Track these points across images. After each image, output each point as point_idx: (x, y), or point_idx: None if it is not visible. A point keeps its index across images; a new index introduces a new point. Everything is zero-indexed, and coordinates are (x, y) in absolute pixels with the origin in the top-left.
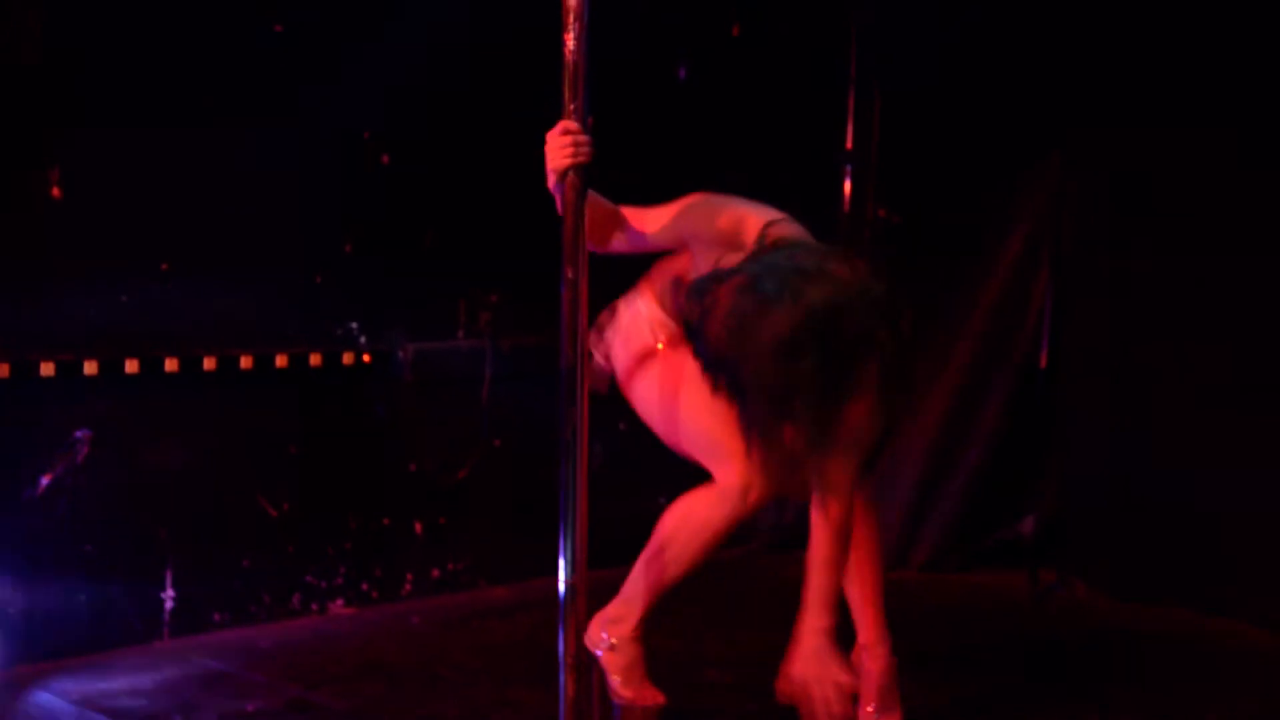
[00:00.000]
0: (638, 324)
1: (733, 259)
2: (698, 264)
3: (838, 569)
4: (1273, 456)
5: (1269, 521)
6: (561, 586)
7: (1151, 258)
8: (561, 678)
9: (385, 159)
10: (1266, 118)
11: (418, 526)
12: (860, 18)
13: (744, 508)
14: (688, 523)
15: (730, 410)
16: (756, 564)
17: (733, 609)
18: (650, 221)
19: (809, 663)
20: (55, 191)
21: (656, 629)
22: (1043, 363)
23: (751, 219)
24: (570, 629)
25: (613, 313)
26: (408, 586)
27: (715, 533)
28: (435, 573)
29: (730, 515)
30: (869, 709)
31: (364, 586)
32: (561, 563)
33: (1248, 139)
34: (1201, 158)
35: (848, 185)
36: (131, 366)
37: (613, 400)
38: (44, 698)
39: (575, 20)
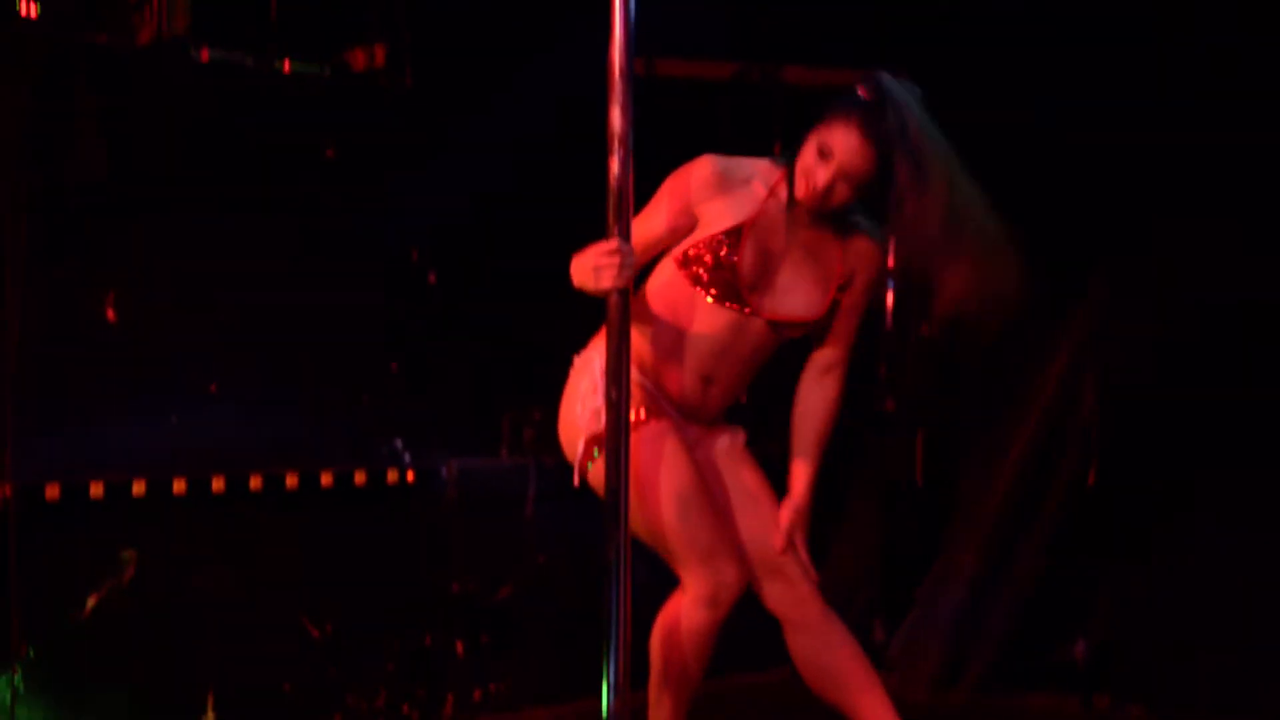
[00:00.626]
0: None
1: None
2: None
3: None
4: None
5: None
6: (605, 712)
7: (1187, 384)
8: None
9: (432, 278)
10: None
11: (459, 647)
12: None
13: (718, 613)
14: (673, 639)
15: (704, 507)
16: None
17: None
18: (648, 218)
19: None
20: (111, 315)
21: None
22: (1091, 481)
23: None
24: None
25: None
26: (449, 708)
27: (701, 641)
28: (477, 694)
29: (708, 622)
30: None
31: (405, 708)
32: (604, 688)
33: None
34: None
35: (890, 298)
36: (179, 487)
37: None
38: None
39: (619, 144)
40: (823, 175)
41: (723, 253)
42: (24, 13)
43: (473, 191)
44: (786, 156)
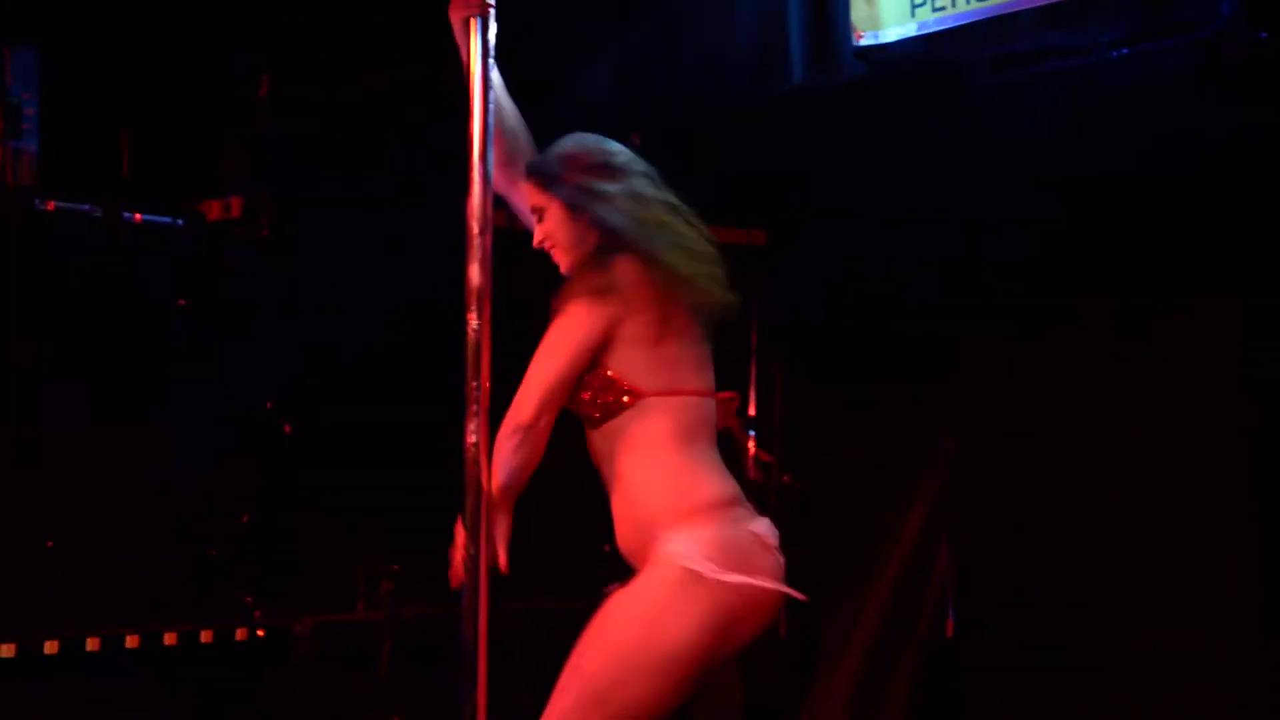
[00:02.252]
0: None
1: None
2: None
3: None
4: None
5: None
6: None
7: (1043, 534)
8: None
9: (288, 428)
10: None
11: None
12: (761, 299)
13: None
14: None
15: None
16: None
17: None
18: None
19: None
20: None
21: None
22: (949, 632)
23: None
24: None
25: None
26: None
27: None
28: None
29: None
30: None
31: None
32: None
33: None
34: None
35: (752, 446)
36: (5, 650)
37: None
38: None
39: (477, 300)
40: (535, 239)
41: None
42: None
43: (329, 340)
44: None
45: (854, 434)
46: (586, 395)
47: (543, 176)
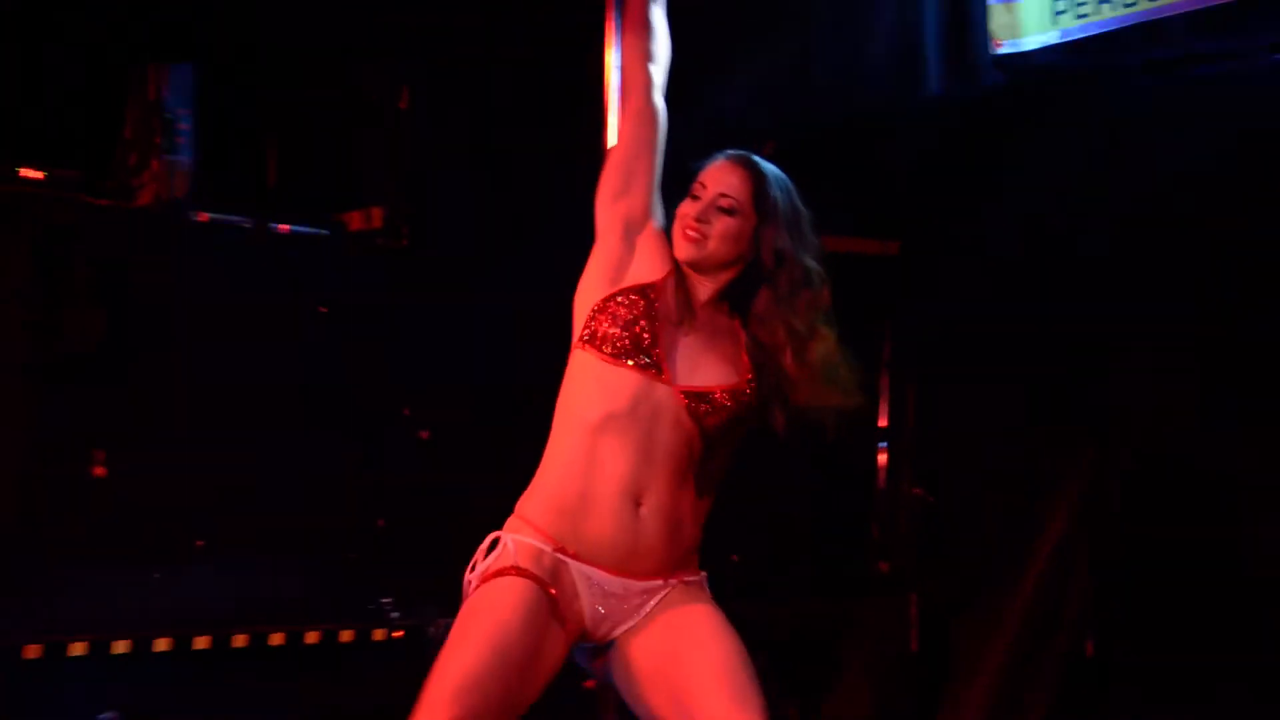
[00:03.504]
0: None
1: None
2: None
3: None
4: None
5: None
6: None
7: (1185, 550)
8: None
9: (424, 434)
10: None
11: None
12: (894, 311)
13: None
14: None
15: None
16: None
17: None
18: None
19: None
20: (98, 470)
21: None
22: (1089, 651)
23: None
24: None
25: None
26: None
27: None
28: None
29: None
30: None
31: None
32: None
33: None
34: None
35: (883, 463)
36: (161, 644)
37: None
38: None
39: None
40: (693, 211)
41: (638, 308)
42: (28, 174)
43: (464, 344)
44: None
45: (989, 445)
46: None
47: (769, 201)
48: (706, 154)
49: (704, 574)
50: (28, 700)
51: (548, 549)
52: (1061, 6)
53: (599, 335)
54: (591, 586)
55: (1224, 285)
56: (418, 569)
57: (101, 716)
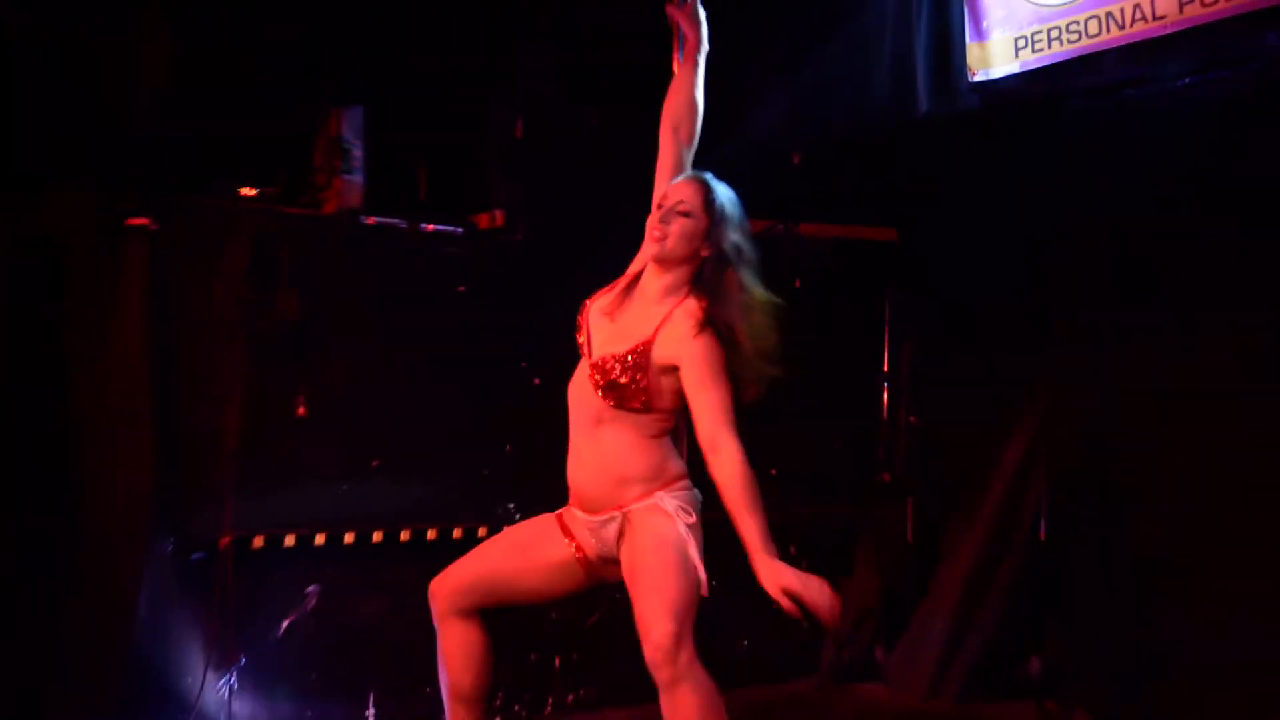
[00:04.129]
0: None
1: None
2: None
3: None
4: (1226, 611)
5: (1224, 658)
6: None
7: (1132, 467)
8: None
9: (537, 381)
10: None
11: (556, 661)
12: (894, 283)
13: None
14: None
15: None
16: (821, 695)
17: None
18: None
19: (790, 575)
20: (301, 410)
21: None
22: (1043, 537)
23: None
24: None
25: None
26: (548, 708)
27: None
28: (570, 698)
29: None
30: None
31: (516, 708)
32: None
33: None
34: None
35: (885, 399)
36: (348, 538)
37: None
38: None
39: None
40: (656, 215)
41: (581, 323)
42: (241, 193)
43: (568, 316)
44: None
45: (970, 385)
46: (638, 391)
47: (716, 208)
48: (748, 162)
49: (658, 495)
50: (255, 578)
51: (567, 508)
52: (1022, 44)
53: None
54: (580, 526)
55: (1139, 269)
56: (534, 482)
57: (308, 590)
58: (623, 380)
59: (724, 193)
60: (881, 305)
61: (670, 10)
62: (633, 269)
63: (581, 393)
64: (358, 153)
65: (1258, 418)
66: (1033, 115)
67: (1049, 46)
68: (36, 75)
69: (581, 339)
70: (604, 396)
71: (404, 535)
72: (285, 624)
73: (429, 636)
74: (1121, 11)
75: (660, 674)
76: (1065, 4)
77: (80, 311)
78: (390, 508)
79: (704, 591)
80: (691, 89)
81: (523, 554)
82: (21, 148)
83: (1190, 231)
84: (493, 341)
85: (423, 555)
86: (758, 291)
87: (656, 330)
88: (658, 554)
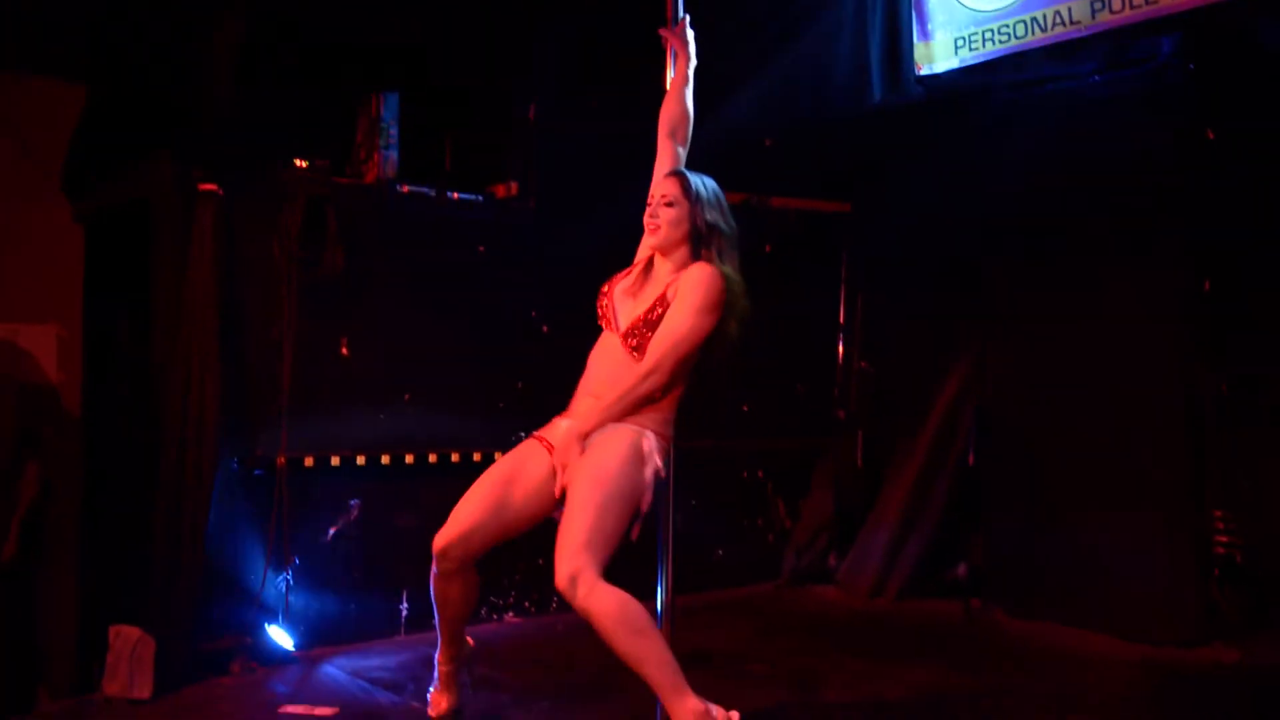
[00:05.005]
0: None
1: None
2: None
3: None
4: (1113, 528)
5: (1113, 566)
6: (659, 605)
7: (1041, 400)
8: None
9: (545, 329)
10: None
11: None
12: (849, 246)
13: (437, 565)
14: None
15: (480, 490)
16: (782, 595)
17: (768, 625)
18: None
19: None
20: (344, 350)
21: (713, 640)
22: (970, 463)
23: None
24: (666, 632)
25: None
26: (554, 604)
27: (434, 585)
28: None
29: (434, 571)
30: None
31: (526, 604)
32: (659, 588)
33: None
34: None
35: (841, 347)
36: (385, 459)
37: (684, 483)
38: (328, 670)
39: None
40: (649, 211)
41: (602, 301)
42: (296, 165)
43: (572, 273)
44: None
45: (911, 336)
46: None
47: (692, 192)
48: (728, 146)
49: (644, 431)
50: (306, 492)
51: (549, 424)
52: (960, 43)
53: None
54: (560, 432)
55: (1047, 233)
56: (542, 414)
57: (351, 503)
58: (650, 335)
59: (700, 180)
60: (838, 267)
61: (663, 32)
62: (640, 257)
63: (603, 358)
64: (393, 131)
65: (1144, 355)
66: (967, 104)
67: (983, 46)
68: (133, 56)
69: (606, 314)
70: (636, 356)
71: (432, 458)
72: (332, 531)
73: None
74: (1045, 16)
75: (570, 599)
76: (998, 9)
77: (161, 263)
78: (420, 434)
79: (633, 536)
80: (683, 99)
81: (509, 484)
82: (120, 125)
83: (1091, 202)
84: (507, 293)
85: (447, 474)
86: (730, 264)
87: (667, 287)
88: (592, 487)
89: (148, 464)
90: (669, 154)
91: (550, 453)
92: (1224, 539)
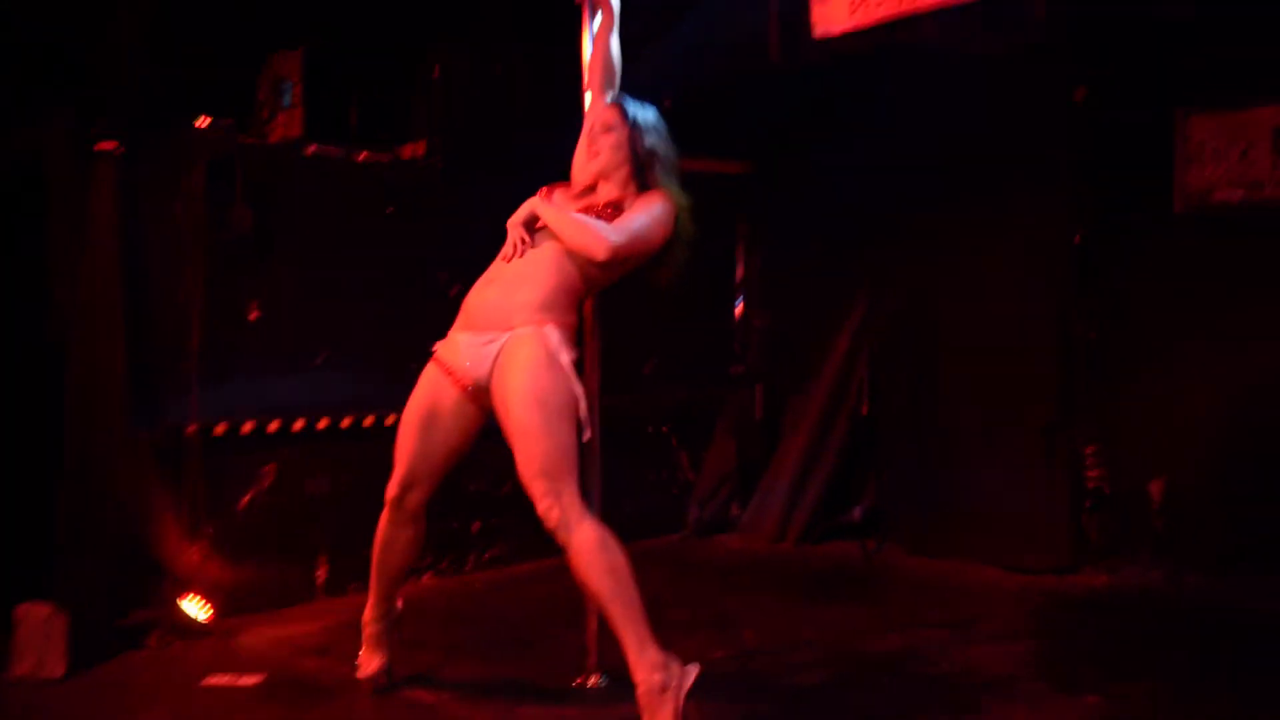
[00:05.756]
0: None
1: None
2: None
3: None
4: (996, 467)
5: (997, 502)
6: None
7: (928, 350)
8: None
9: (454, 290)
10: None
11: (475, 525)
12: (749, 207)
13: (387, 511)
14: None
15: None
16: (688, 545)
17: (680, 573)
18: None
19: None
20: (253, 314)
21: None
22: (864, 411)
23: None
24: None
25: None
26: (469, 564)
27: (379, 530)
28: (487, 555)
29: (382, 517)
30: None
31: (443, 565)
32: None
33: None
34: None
35: (740, 305)
36: (297, 425)
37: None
38: (248, 639)
39: None
40: (589, 138)
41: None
42: (199, 124)
43: (479, 233)
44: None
45: (806, 292)
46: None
47: (630, 118)
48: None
49: (547, 327)
50: (219, 460)
51: (452, 332)
52: (853, 7)
53: None
54: (459, 354)
55: (928, 190)
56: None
57: (263, 470)
58: (604, 215)
59: (638, 107)
60: (736, 227)
61: None
62: (578, 181)
63: (521, 260)
64: (296, 90)
65: (1021, 306)
66: (860, 66)
67: (877, 9)
68: (33, 14)
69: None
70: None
71: (345, 422)
72: (246, 499)
73: (367, 507)
74: None
75: (551, 530)
76: None
77: (58, 227)
78: (333, 398)
79: (585, 436)
80: (609, 50)
81: (428, 424)
82: (13, 77)
83: (973, 159)
84: (415, 254)
85: (361, 439)
86: (674, 186)
87: (620, 200)
88: (524, 409)
89: (46, 439)
90: (602, 101)
91: (451, 377)
92: (1094, 473)
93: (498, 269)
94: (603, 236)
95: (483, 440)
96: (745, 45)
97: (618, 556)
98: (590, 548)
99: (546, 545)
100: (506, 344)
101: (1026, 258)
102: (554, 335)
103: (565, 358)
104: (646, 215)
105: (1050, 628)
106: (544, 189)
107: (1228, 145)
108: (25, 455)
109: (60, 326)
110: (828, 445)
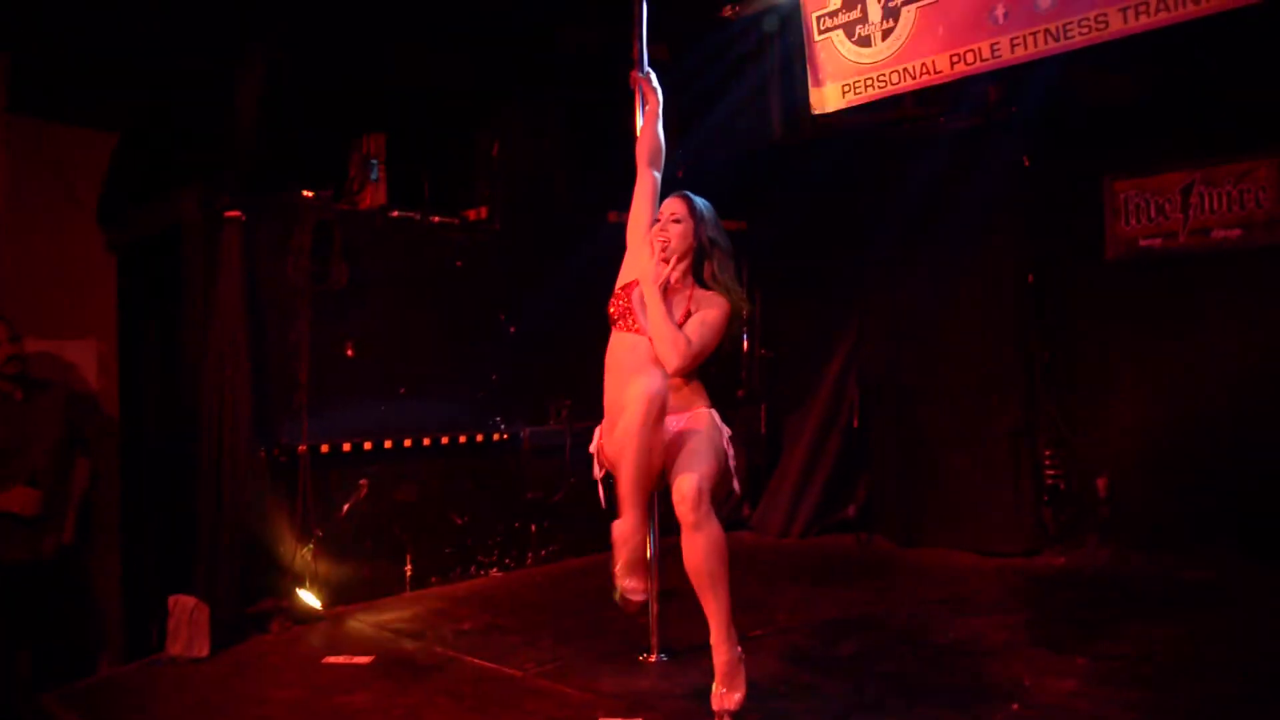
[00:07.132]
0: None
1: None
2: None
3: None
4: (970, 468)
5: (971, 498)
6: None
7: (911, 371)
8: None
9: (512, 330)
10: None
11: (533, 527)
12: (748, 256)
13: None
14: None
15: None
16: None
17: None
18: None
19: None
20: (349, 352)
21: (671, 579)
22: (855, 425)
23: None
24: (656, 566)
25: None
26: (530, 559)
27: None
28: (544, 552)
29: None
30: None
31: (507, 561)
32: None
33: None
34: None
35: (745, 336)
36: (388, 444)
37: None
38: (353, 624)
39: None
40: (659, 227)
41: (617, 302)
42: (305, 194)
43: (535, 285)
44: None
45: (802, 325)
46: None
47: (696, 211)
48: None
49: (702, 410)
50: (324, 474)
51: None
52: (846, 89)
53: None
54: None
55: (908, 240)
56: (513, 404)
57: (360, 482)
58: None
59: (701, 201)
60: (741, 270)
61: (633, 77)
62: (641, 267)
63: (624, 354)
64: (381, 167)
65: (989, 333)
66: (852, 139)
67: (867, 90)
68: (158, 97)
69: (622, 315)
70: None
71: (425, 441)
72: (345, 507)
73: (442, 511)
74: (914, 67)
75: (686, 518)
76: (876, 61)
77: (193, 280)
78: (414, 421)
79: (736, 488)
80: (657, 131)
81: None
82: (147, 166)
83: (944, 211)
84: (479, 300)
85: (438, 455)
86: (729, 276)
87: (689, 301)
88: (697, 443)
89: (182, 457)
90: (649, 179)
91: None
92: (1051, 471)
93: (621, 361)
94: (674, 357)
95: (535, 459)
96: (750, 124)
97: (726, 555)
98: (717, 537)
99: (593, 542)
100: (689, 417)
101: (989, 294)
102: (716, 415)
103: (724, 434)
104: (711, 330)
105: (1028, 601)
106: (620, 290)
107: (1147, 203)
108: (161, 471)
109: (194, 364)
110: (825, 454)
